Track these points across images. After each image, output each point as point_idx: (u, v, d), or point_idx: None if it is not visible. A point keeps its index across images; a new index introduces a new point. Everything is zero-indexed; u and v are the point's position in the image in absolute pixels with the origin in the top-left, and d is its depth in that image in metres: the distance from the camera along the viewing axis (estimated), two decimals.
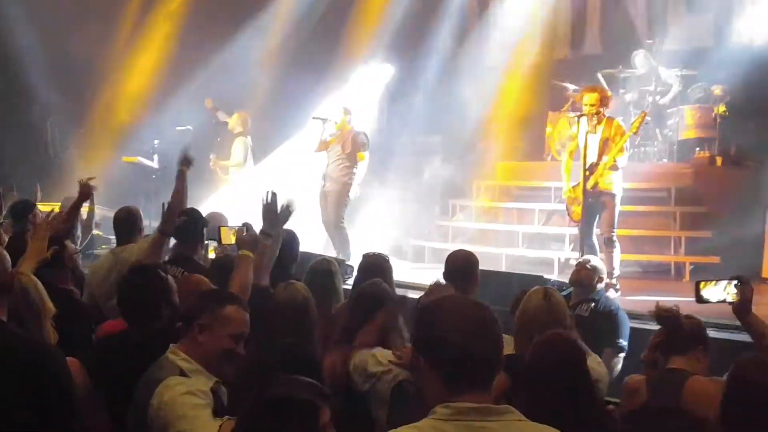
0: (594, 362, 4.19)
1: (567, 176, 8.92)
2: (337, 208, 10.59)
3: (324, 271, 5.43)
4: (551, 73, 13.54)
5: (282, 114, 13.85)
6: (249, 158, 12.77)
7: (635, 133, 8.84)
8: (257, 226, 5.22)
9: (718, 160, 11.31)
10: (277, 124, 13.82)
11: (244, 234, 4.91)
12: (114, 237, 6.57)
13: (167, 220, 5.60)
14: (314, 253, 8.25)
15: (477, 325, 2.42)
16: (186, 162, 6.12)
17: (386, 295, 4.50)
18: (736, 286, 4.10)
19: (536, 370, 3.52)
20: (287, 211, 5.34)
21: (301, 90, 13.99)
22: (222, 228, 5.39)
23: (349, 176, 10.62)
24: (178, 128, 13.00)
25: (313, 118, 10.81)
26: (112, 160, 13.29)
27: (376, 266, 5.55)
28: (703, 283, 4.14)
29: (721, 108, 11.32)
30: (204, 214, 6.47)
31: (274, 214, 5.26)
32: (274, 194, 5.25)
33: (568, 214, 9.00)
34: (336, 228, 10.55)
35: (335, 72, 14.23)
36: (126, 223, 6.20)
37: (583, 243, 8.52)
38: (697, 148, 11.58)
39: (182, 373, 3.33)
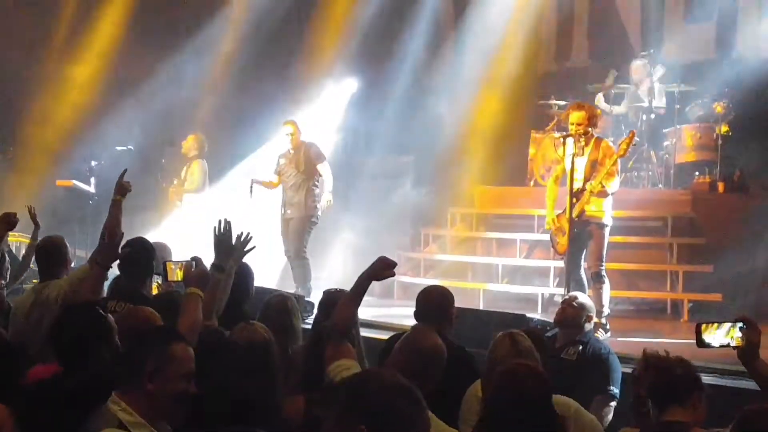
0: (561, 400, 4.25)
1: (551, 204, 8.94)
2: (299, 236, 10.62)
3: (280, 308, 5.43)
4: (535, 89, 13.62)
5: (234, 133, 13.90)
6: (206, 183, 12.83)
7: (624, 156, 8.89)
8: (209, 258, 5.24)
9: (720, 186, 11.34)
10: (228, 144, 13.88)
11: (193, 269, 4.90)
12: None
13: (102, 251, 5.55)
14: (270, 288, 8.26)
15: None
16: (122, 190, 6.09)
17: (350, 338, 4.53)
18: (741, 329, 4.12)
19: (494, 404, 3.58)
20: (243, 243, 5.35)
21: (255, 107, 14.05)
22: (168, 263, 5.38)
23: (311, 198, 10.67)
24: (118, 148, 12.99)
25: (253, 181, 10.80)
26: (44, 184, 13.26)
27: (337, 302, 5.55)
28: (704, 326, 4.15)
29: (724, 128, 11.32)
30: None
31: (228, 246, 5.27)
32: (227, 223, 5.26)
33: (553, 246, 9.01)
34: (297, 258, 10.57)
35: (293, 86, 14.30)
36: (49, 255, 6.12)
37: (570, 278, 8.54)
38: (697, 173, 11.60)
39: (121, 426, 3.34)
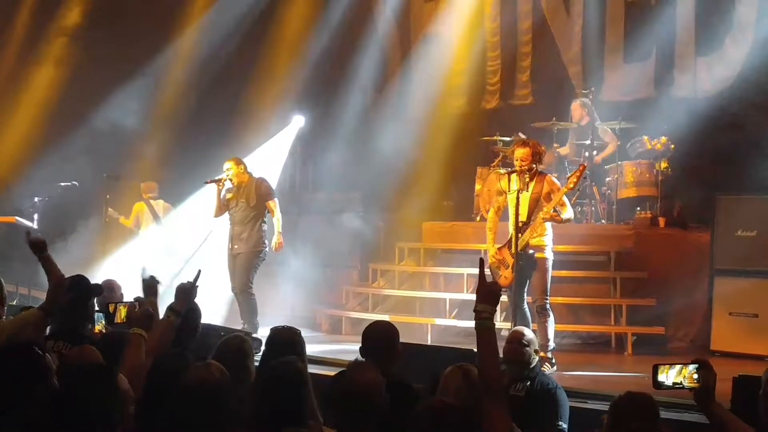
0: None
1: (491, 236, 8.95)
2: (246, 272, 10.46)
3: (236, 349, 5.30)
4: (480, 125, 13.67)
5: (182, 168, 13.74)
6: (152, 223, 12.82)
7: (574, 189, 8.90)
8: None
9: (661, 221, 11.41)
10: (177, 178, 13.74)
11: (136, 310, 4.82)
12: None
13: (51, 299, 5.48)
14: (215, 325, 8.11)
15: None
16: (38, 246, 5.94)
17: (303, 380, 4.41)
18: (697, 370, 4.10)
19: None
20: (195, 284, 5.28)
21: (204, 140, 13.92)
22: (110, 304, 5.26)
23: (260, 233, 10.52)
24: (62, 184, 12.79)
25: (206, 182, 10.72)
26: None
27: (286, 341, 5.42)
28: (661, 368, 4.13)
29: (664, 164, 11.43)
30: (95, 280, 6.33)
31: (190, 294, 5.20)
32: (198, 274, 5.22)
33: (493, 278, 8.92)
34: (243, 293, 10.40)
35: (243, 121, 14.21)
36: None
37: (515, 312, 8.51)
38: (638, 208, 11.67)
39: None
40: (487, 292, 4.21)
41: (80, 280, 6.04)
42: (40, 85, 14.63)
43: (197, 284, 5.26)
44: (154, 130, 14.55)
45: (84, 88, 13.83)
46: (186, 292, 5.20)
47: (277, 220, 10.58)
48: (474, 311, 4.21)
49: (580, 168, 8.87)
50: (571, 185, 8.68)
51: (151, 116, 14.50)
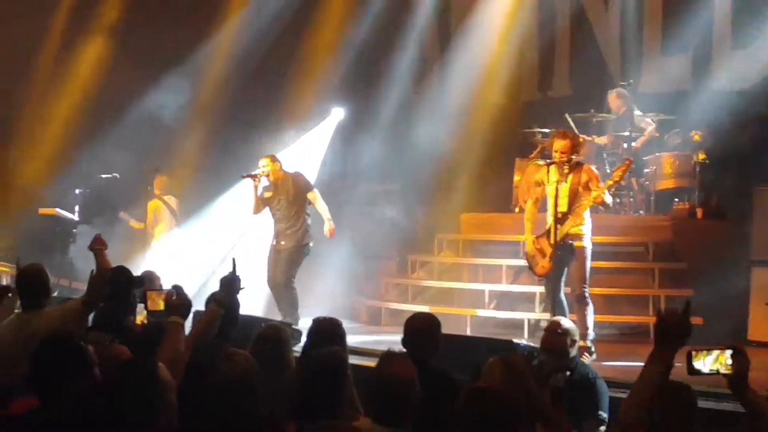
0: None
1: (529, 226, 8.98)
2: (289, 266, 10.50)
3: (274, 339, 5.30)
4: (518, 117, 13.68)
5: (220, 162, 13.84)
6: (170, 219, 12.90)
7: (618, 183, 8.88)
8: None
9: (699, 212, 11.33)
10: (214, 173, 13.83)
11: (174, 298, 4.83)
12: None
13: (92, 292, 5.50)
14: (256, 316, 8.14)
15: None
16: (99, 243, 6.02)
17: (344, 368, 4.39)
18: (731, 356, 4.02)
19: (457, 424, 3.54)
20: (235, 276, 5.28)
21: (243, 135, 13.97)
22: (149, 292, 5.25)
23: (304, 227, 10.54)
24: (103, 176, 12.87)
25: (243, 176, 10.73)
26: (27, 212, 13.11)
27: (328, 332, 5.45)
28: (695, 353, 4.05)
29: (701, 155, 11.35)
30: (136, 272, 6.35)
31: (235, 284, 5.20)
32: (234, 264, 5.20)
33: (531, 268, 9.03)
34: (285, 288, 10.44)
35: (281, 114, 14.22)
36: (34, 283, 5.85)
37: (553, 302, 8.49)
38: (676, 199, 11.63)
39: None
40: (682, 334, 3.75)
41: (121, 272, 6.07)
42: (81, 78, 14.70)
43: (237, 273, 5.25)
44: (192, 124, 14.59)
45: (124, 82, 13.90)
46: (229, 283, 5.19)
47: (322, 209, 10.60)
48: (656, 357, 3.80)
49: (626, 163, 8.90)
50: (616, 179, 8.68)
51: (190, 110, 14.53)
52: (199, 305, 5.40)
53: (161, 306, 5.09)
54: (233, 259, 5.24)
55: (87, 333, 5.41)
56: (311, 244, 10.61)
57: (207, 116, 14.69)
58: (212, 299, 5.18)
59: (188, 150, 14.33)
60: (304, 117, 14.01)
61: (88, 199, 13.04)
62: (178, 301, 4.82)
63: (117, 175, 12.90)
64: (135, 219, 12.96)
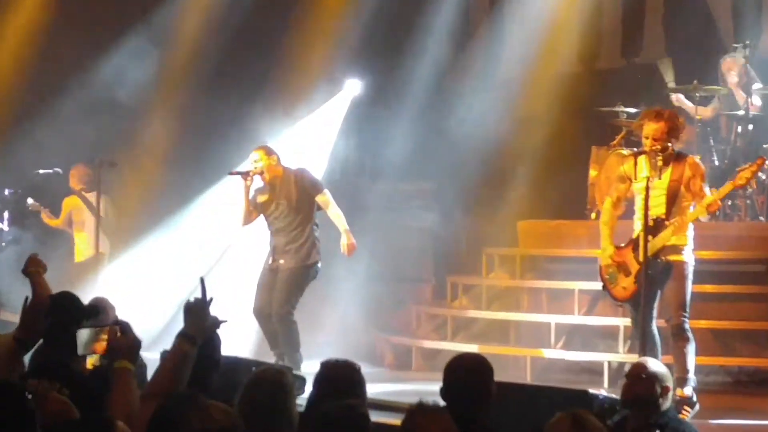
0: None
1: (607, 232, 8.96)
2: (289, 293, 10.47)
3: (273, 384, 5.27)
4: (595, 91, 13.59)
5: (195, 156, 13.89)
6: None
7: (743, 186, 8.84)
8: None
9: None
10: (186, 173, 13.89)
11: (118, 337, 4.85)
12: None
13: (27, 326, 5.51)
14: (245, 358, 8.13)
15: None
16: (34, 264, 6.03)
17: (363, 427, 4.39)
18: None
19: None
20: (205, 302, 5.24)
21: (224, 120, 13.97)
22: (79, 330, 5.27)
23: (311, 242, 10.53)
24: (41, 171, 12.92)
25: (230, 174, 10.73)
26: None
27: (341, 379, 5.43)
28: None
29: None
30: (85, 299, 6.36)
31: (204, 312, 5.16)
32: (202, 284, 5.15)
33: (607, 289, 9.04)
34: (283, 321, 10.40)
35: (275, 92, 14.23)
36: None
37: (642, 337, 8.44)
38: None
39: None
40: None
41: (65, 300, 6.06)
42: (10, 46, 14.73)
43: (208, 298, 5.22)
44: (159, 103, 14.62)
45: (67, 52, 13.93)
46: (197, 312, 5.15)
47: (336, 215, 10.58)
48: None
49: (758, 161, 8.79)
50: (742, 181, 8.63)
51: (156, 85, 14.56)
52: (167, 343, 5.41)
53: (100, 347, 5.11)
54: (201, 279, 5.20)
55: (22, 380, 5.42)
56: (319, 264, 10.59)
57: (179, 93, 14.69)
58: (180, 335, 5.16)
59: (154, 137, 14.35)
60: (308, 93, 14.01)
61: (21, 201, 13.08)
62: (123, 340, 4.83)
63: (59, 171, 12.94)
64: (48, 211, 13.03)
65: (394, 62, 14.20)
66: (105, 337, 5.08)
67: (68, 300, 6.11)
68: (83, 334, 5.27)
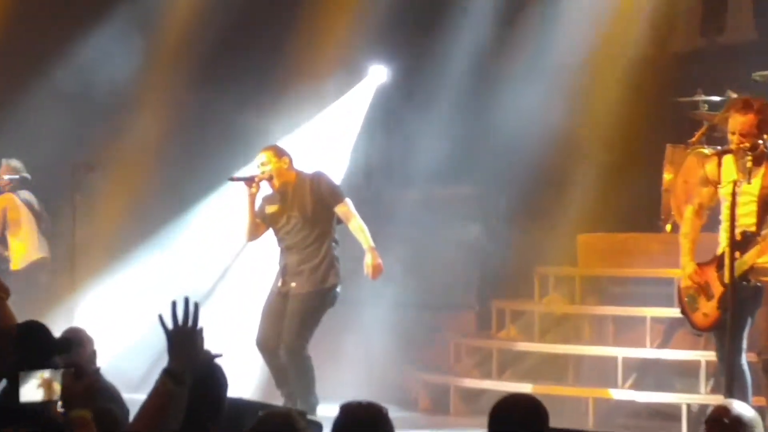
0: None
1: (688, 246, 8.96)
2: (303, 322, 10.47)
3: (283, 429, 5.29)
4: (670, 78, 13.57)
5: (186, 162, 13.91)
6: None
7: None
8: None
9: None
10: (178, 178, 13.92)
11: (72, 382, 4.91)
12: None
13: None
14: (250, 400, 8.12)
15: None
16: None
17: None
18: None
19: None
20: (194, 330, 5.21)
21: (222, 116, 13.99)
22: (22, 374, 5.29)
23: (330, 261, 10.52)
24: (7, 177, 13.00)
25: (231, 179, 10.73)
26: None
27: (365, 426, 5.40)
28: None
29: None
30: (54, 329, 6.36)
31: (191, 343, 5.13)
32: (193, 307, 5.11)
33: (686, 314, 9.05)
34: (294, 356, 10.41)
35: (285, 82, 14.25)
36: None
37: (728, 374, 8.40)
38: None
39: None
40: None
41: (33, 331, 6.07)
42: None
43: (198, 326, 5.19)
44: (146, 95, 14.66)
45: (38, 36, 14.00)
46: (183, 342, 5.12)
47: (359, 229, 10.54)
48: None
49: None
50: None
51: (143, 73, 14.60)
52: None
53: (52, 393, 5.11)
54: (195, 305, 5.16)
55: None
56: (338, 288, 10.59)
57: (169, 83, 14.75)
58: (163, 371, 5.13)
59: (140, 136, 14.38)
60: (325, 80, 14.05)
61: None
62: (80, 386, 4.89)
63: (27, 176, 12.98)
64: None
65: (426, 44, 14.19)
66: (57, 380, 5.09)
67: (37, 331, 6.11)
68: (26, 379, 5.27)
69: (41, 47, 13.94)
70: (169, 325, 5.07)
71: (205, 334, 5.21)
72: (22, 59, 14.06)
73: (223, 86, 14.14)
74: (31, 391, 5.22)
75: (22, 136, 13.51)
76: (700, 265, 8.81)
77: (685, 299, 8.94)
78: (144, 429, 4.90)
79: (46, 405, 5.97)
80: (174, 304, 5.03)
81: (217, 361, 5.68)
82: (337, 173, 12.40)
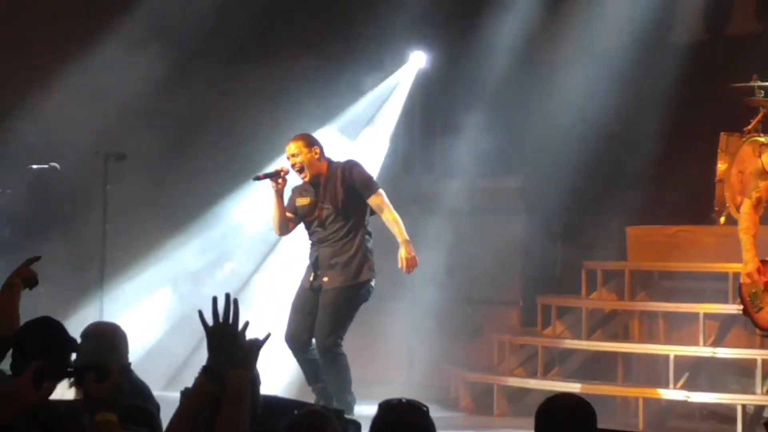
0: None
1: (749, 241, 8.94)
2: (335, 317, 10.39)
3: (314, 429, 5.23)
4: (724, 63, 13.48)
5: (217, 143, 13.96)
6: None
7: None
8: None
9: None
10: (205, 167, 13.94)
11: (95, 382, 4.89)
12: None
13: None
14: (284, 398, 8.08)
15: None
16: (24, 276, 6.13)
17: None
18: None
19: None
20: (258, 343, 5.19)
21: (255, 99, 13.97)
22: (37, 365, 5.28)
23: (363, 254, 10.47)
24: (35, 166, 13.01)
25: (256, 178, 10.69)
26: None
27: (405, 426, 5.34)
28: None
29: None
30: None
31: (230, 339, 5.10)
32: (234, 304, 5.08)
33: (749, 314, 9.01)
34: (328, 353, 10.37)
35: (317, 67, 14.24)
36: None
37: None
38: None
39: None
40: None
41: (42, 327, 6.03)
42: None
43: (240, 322, 5.17)
44: (177, 83, 14.66)
45: (63, 21, 14.03)
46: (225, 340, 5.09)
47: (393, 221, 10.45)
48: None
49: None
50: None
51: (171, 60, 14.58)
52: (189, 379, 5.36)
53: (69, 392, 5.10)
54: (233, 300, 5.13)
55: None
56: (373, 283, 10.53)
57: (199, 69, 14.75)
58: (203, 370, 5.11)
59: (168, 123, 14.38)
60: (362, 67, 14.01)
61: (11, 204, 13.18)
62: (106, 386, 4.87)
63: (56, 166, 12.99)
64: None
65: (469, 29, 14.17)
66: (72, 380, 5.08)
67: (48, 328, 6.07)
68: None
69: (61, 40, 13.95)
70: (210, 321, 5.04)
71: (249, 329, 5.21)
72: (43, 51, 14.09)
73: (257, 73, 14.13)
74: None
75: (53, 128, 13.52)
76: (764, 261, 8.79)
77: (748, 298, 8.90)
78: (183, 429, 4.93)
79: (67, 406, 5.95)
80: (215, 300, 5.02)
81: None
82: (374, 163, 12.36)
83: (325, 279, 10.43)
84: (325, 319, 10.36)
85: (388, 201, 10.48)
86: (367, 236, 10.51)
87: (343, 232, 10.44)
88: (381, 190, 10.53)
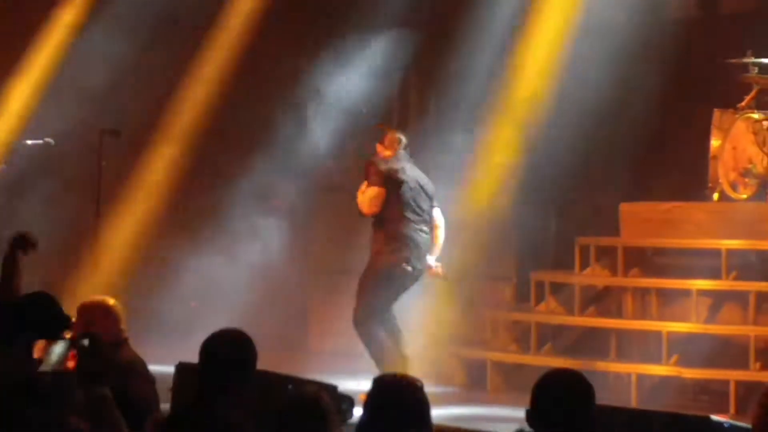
0: None
1: None
2: (363, 295, 10.89)
3: (305, 408, 5.28)
4: (718, 40, 13.49)
5: (223, 134, 13.98)
6: None
7: None
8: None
9: None
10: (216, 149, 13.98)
11: (89, 356, 5.01)
12: None
13: None
14: (282, 374, 8.12)
15: None
16: (22, 243, 6.07)
17: None
18: None
19: None
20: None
21: (264, 82, 14.00)
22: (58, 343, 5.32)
23: (395, 239, 10.87)
24: (29, 142, 13.02)
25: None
26: None
27: (399, 401, 5.40)
28: None
29: None
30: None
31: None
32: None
33: None
34: (355, 325, 10.84)
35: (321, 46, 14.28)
36: None
37: None
38: None
39: None
40: None
41: (38, 303, 6.07)
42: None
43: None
44: (174, 65, 14.69)
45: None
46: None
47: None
48: None
49: None
50: None
51: (166, 43, 14.59)
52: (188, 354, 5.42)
53: (53, 358, 5.15)
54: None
55: None
56: (407, 266, 11.06)
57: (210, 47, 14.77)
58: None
59: (174, 98, 14.41)
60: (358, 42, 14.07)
61: (6, 179, 13.21)
62: (93, 362, 4.96)
63: (51, 141, 13.01)
64: None
65: (459, 4, 14.15)
66: (71, 354, 5.11)
67: (42, 303, 6.11)
68: (57, 348, 5.29)
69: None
70: None
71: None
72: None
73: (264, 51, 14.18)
74: (58, 360, 5.26)
75: (48, 103, 13.55)
76: None
77: None
78: None
79: (60, 377, 5.99)
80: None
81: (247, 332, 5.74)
82: None
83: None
84: (357, 296, 11.17)
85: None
86: (404, 222, 11.14)
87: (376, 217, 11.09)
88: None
